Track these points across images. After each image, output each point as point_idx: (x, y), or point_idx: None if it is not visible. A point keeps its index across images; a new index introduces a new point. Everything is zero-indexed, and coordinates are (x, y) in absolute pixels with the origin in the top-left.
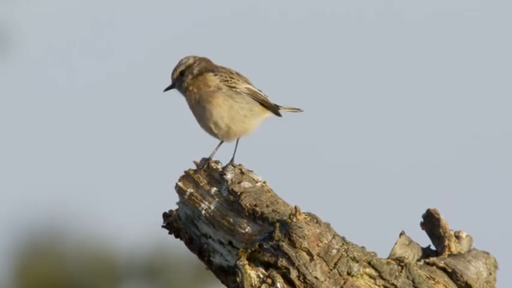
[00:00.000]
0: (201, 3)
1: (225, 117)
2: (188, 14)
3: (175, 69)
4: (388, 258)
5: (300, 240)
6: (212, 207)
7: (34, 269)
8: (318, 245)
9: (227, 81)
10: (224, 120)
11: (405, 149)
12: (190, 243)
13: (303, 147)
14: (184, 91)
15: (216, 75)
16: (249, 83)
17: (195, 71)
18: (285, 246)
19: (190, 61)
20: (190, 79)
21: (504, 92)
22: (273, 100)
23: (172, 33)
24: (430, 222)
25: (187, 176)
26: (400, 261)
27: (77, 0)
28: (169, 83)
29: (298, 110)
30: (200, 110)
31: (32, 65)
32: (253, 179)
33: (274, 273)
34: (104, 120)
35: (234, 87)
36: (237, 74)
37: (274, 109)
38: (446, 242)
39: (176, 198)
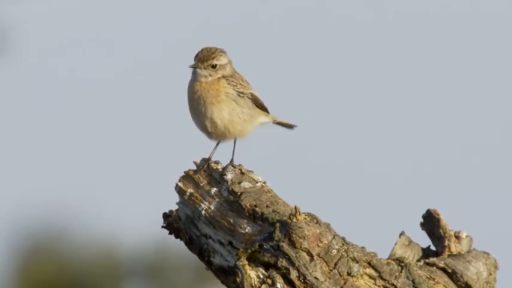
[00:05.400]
0: (201, 9)
1: (226, 118)
2: (188, 19)
3: (210, 58)
4: (388, 258)
5: (300, 240)
6: (212, 207)
7: (35, 270)
8: (318, 245)
9: (236, 85)
10: (224, 121)
11: (405, 149)
12: (190, 244)
13: (303, 147)
14: (195, 79)
15: (228, 82)
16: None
17: (225, 73)
18: (285, 246)
19: (224, 62)
20: (210, 79)
21: (503, 92)
22: (271, 108)
23: (175, 38)
24: (430, 222)
25: (187, 177)
26: (400, 261)
27: (77, 1)
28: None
29: (293, 125)
30: (201, 107)
31: (31, 65)
32: (253, 179)
33: (274, 273)
34: (104, 121)
35: (242, 92)
36: (247, 82)
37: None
38: (446, 242)
39: (176, 198)
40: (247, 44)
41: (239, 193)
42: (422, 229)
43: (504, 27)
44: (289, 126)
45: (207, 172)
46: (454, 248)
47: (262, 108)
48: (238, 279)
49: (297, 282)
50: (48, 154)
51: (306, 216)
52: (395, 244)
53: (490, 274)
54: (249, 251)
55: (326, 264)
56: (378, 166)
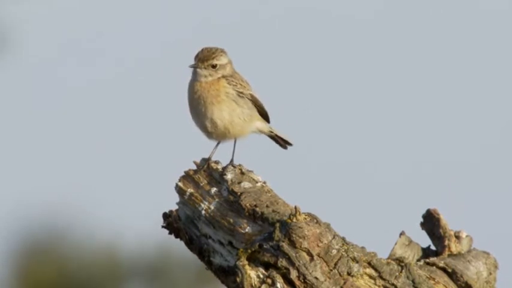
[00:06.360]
0: (201, 9)
1: (226, 118)
2: (188, 19)
3: (210, 58)
4: (388, 258)
5: (300, 240)
6: (212, 207)
7: (35, 270)
8: (318, 245)
9: (236, 85)
10: (224, 121)
11: (405, 149)
12: (190, 244)
13: (303, 147)
14: (195, 79)
15: (228, 82)
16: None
17: (225, 73)
18: (285, 246)
19: (225, 61)
20: (210, 79)
21: (503, 92)
22: (270, 110)
23: (175, 38)
24: (430, 222)
25: (187, 176)
26: (400, 261)
27: (77, 1)
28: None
29: (289, 143)
30: (201, 107)
31: (31, 65)
32: (253, 179)
33: (274, 273)
34: (104, 121)
35: (242, 92)
36: (246, 82)
37: (267, 116)
38: (446, 242)
39: (176, 198)
40: (247, 44)
41: (239, 193)
42: (422, 229)
43: (504, 27)
44: (285, 143)
45: (207, 172)
46: (454, 247)
47: (262, 110)
48: (238, 279)
49: (297, 282)
50: (48, 154)
51: (306, 216)
52: (395, 244)
53: (490, 274)
54: (249, 251)
55: (326, 264)
56: (378, 166)
